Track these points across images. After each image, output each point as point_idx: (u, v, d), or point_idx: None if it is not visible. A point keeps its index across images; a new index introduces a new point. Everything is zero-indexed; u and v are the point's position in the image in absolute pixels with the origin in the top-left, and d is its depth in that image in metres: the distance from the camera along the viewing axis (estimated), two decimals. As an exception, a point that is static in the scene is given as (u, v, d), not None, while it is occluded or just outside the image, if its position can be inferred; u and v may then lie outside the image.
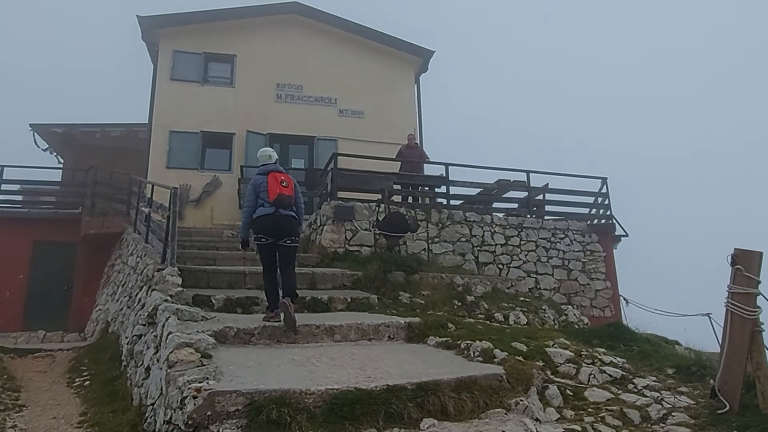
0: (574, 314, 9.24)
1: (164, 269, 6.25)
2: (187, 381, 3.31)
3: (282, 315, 4.82)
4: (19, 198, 13.14)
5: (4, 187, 12.43)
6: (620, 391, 4.13)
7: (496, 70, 60.04)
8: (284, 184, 5.24)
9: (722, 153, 51.37)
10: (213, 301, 6.08)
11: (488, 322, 6.97)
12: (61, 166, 15.30)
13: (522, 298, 8.64)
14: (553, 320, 8.43)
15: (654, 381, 4.35)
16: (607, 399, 3.96)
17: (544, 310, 8.40)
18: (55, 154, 15.75)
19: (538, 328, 5.97)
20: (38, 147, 14.99)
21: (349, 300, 6.69)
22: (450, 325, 5.53)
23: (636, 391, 4.15)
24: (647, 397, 4.02)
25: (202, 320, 5.13)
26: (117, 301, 8.92)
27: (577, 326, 8.93)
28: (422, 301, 7.44)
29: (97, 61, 50.49)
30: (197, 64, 14.45)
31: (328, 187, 10.16)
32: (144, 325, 5.52)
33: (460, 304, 7.56)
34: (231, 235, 11.39)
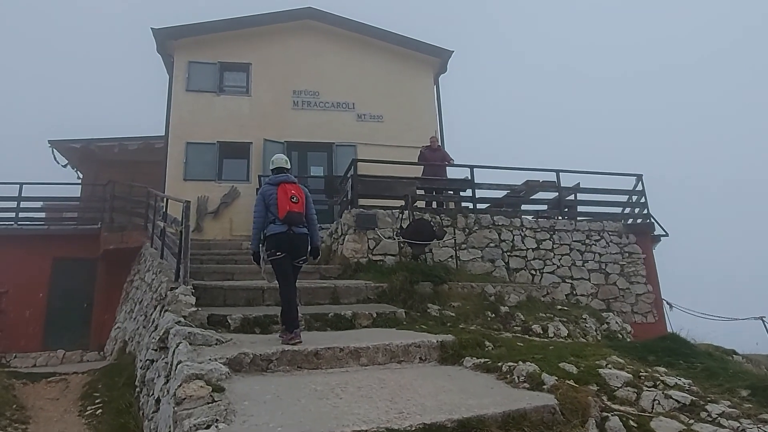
0: (616, 322, 8.63)
1: (177, 288, 5.88)
2: (194, 425, 2.89)
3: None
4: (39, 215, 13.02)
5: (23, 204, 12.31)
6: (692, 421, 3.57)
7: (526, 69, 59.19)
8: (294, 200, 4.94)
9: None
10: (229, 321, 5.68)
11: (526, 336, 6.42)
12: (80, 181, 15.19)
13: (559, 307, 8.06)
14: (595, 330, 7.85)
15: (729, 407, 3.76)
16: (679, 431, 3.40)
17: (585, 319, 7.81)
18: (75, 169, 15.69)
19: (585, 342, 5.42)
20: (58, 163, 14.95)
21: (374, 315, 6.23)
22: (487, 343, 5.01)
23: (711, 420, 3.58)
24: (726, 427, 3.45)
25: (216, 344, 4.72)
26: (134, 319, 8.62)
27: (620, 335, 8.34)
28: (452, 314, 6.93)
29: (115, 75, 51.19)
30: (212, 74, 14.22)
31: (348, 194, 9.73)
32: (156, 350, 5.13)
33: (493, 315, 7.03)
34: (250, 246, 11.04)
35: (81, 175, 15.59)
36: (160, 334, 4.98)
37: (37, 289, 11.74)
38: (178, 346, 4.38)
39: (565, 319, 7.49)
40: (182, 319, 5.36)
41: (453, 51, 15.43)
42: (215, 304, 6.38)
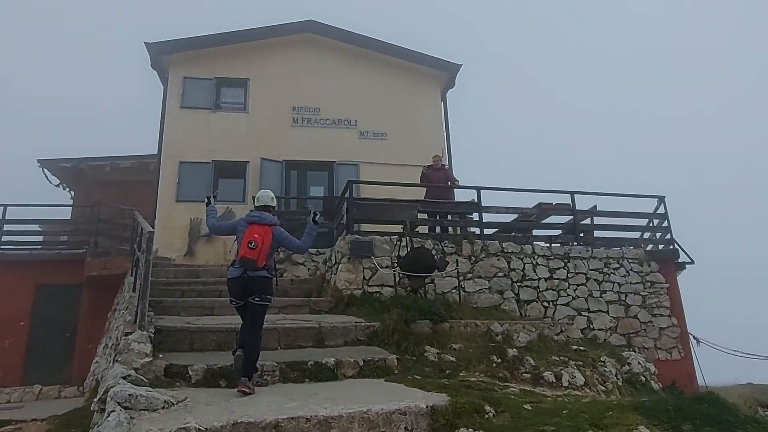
0: (639, 363, 7.72)
1: (132, 333, 5.14)
2: None
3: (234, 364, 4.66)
4: (22, 239, 12.42)
5: (6, 227, 11.73)
6: None
7: (540, 86, 58.49)
8: (251, 245, 4.83)
9: None
10: (190, 372, 4.91)
11: (537, 388, 5.56)
12: (71, 202, 14.66)
13: (575, 347, 7.16)
14: (615, 374, 6.94)
15: None
16: None
17: (603, 362, 6.90)
18: (68, 189, 15.19)
19: (606, 403, 4.56)
20: (50, 183, 14.44)
21: (361, 363, 5.43)
22: (487, 408, 4.17)
23: None
24: None
25: (163, 408, 3.95)
26: (106, 356, 7.91)
27: (643, 378, 7.44)
28: (453, 358, 6.10)
29: (114, 94, 50.91)
30: (208, 90, 13.66)
31: (344, 218, 8.98)
32: (97, 411, 4.38)
33: (499, 360, 6.16)
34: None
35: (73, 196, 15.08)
36: (100, 394, 4.23)
37: (19, 317, 11.10)
38: (110, 414, 3.63)
39: (581, 363, 6.59)
40: (132, 372, 4.61)
41: (461, 65, 14.75)
42: (180, 349, 5.63)
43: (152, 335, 5.34)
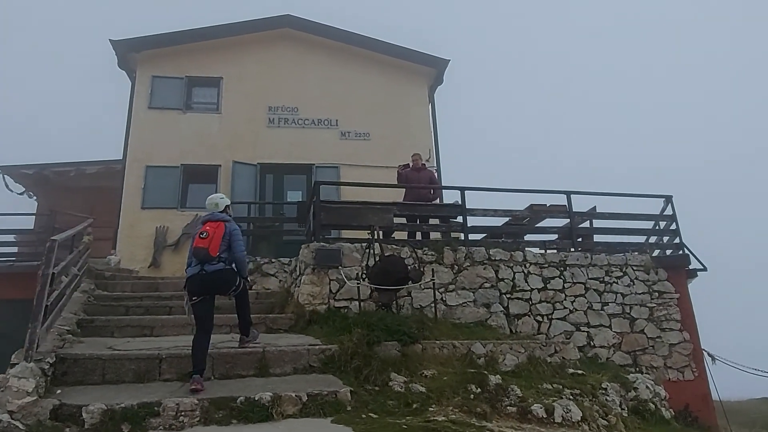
0: (647, 387, 6.68)
1: (17, 365, 4.15)
2: None
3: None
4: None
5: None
6: None
7: (536, 83, 57.29)
8: (203, 235, 4.90)
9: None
10: (84, 415, 3.92)
11: (523, 427, 4.54)
12: (34, 211, 13.72)
13: (571, 371, 6.13)
14: (620, 403, 5.91)
15: None
16: None
17: (605, 389, 5.86)
18: (34, 197, 14.26)
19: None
20: (11, 191, 13.52)
21: (305, 398, 4.43)
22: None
23: None
24: None
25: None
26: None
27: (652, 405, 6.39)
28: (423, 388, 5.08)
29: (81, 97, 48.84)
30: (179, 90, 12.77)
31: (310, 224, 8.00)
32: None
33: (479, 390, 5.14)
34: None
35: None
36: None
37: (-35, 335, 10.09)
38: None
39: (578, 391, 5.57)
40: (5, 417, 3.64)
41: (449, 60, 13.83)
42: (88, 381, 4.64)
43: (47, 367, 4.36)
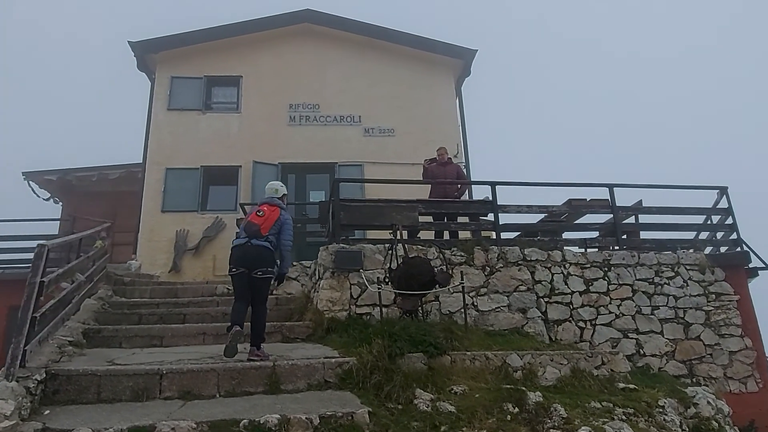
0: (708, 402, 5.89)
1: (-4, 385, 3.74)
2: None
3: (228, 340, 4.77)
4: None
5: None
6: None
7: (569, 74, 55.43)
8: (260, 213, 5.18)
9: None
10: (67, 442, 3.47)
11: (568, 457, 3.89)
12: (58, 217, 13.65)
13: (622, 385, 5.42)
14: (680, 423, 5.15)
15: None
16: None
17: (662, 407, 5.12)
18: (60, 203, 14.23)
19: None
20: (38, 197, 13.50)
21: (316, 422, 3.88)
22: None
23: None
24: None
25: None
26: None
27: (716, 424, 5.60)
28: (453, 407, 4.48)
29: (101, 100, 48.41)
30: (198, 90, 12.48)
31: (329, 225, 7.49)
32: None
33: (516, 410, 4.51)
34: (226, 290, 8.97)
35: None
36: None
37: (-10, 342, 9.98)
38: None
39: (631, 410, 4.87)
40: (-23, 446, 3.21)
41: (477, 50, 13.13)
42: (82, 400, 4.21)
43: (33, 385, 3.94)
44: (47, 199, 13.89)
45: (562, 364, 5.44)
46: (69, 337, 5.45)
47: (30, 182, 13.03)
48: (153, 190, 11.54)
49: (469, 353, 5.26)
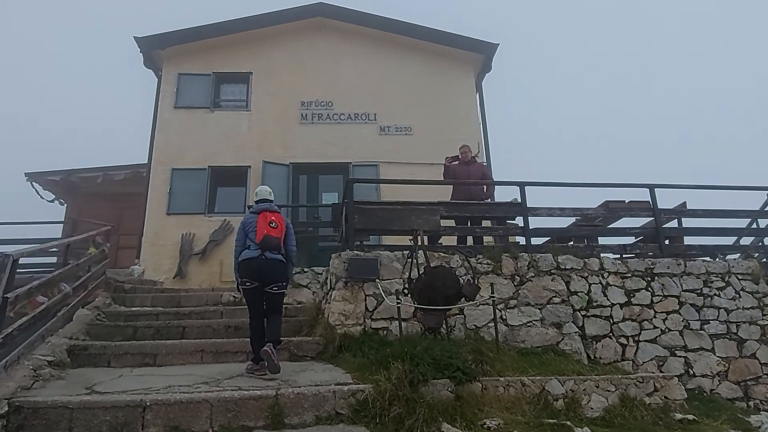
0: (775, 432, 5.08)
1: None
2: None
3: (266, 364, 4.60)
4: None
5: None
6: None
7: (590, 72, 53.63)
8: (273, 224, 4.97)
9: None
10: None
11: None
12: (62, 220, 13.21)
13: (679, 416, 4.67)
14: (749, 462, 4.39)
15: None
16: None
17: (731, 445, 4.38)
18: (65, 205, 13.80)
19: None
20: (42, 198, 13.09)
21: (325, 469, 3.22)
22: None
23: None
24: None
25: None
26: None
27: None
28: (486, 446, 3.79)
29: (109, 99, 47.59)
30: (206, 87, 11.96)
31: (342, 229, 6.84)
32: None
33: (562, 450, 3.80)
34: (232, 298, 8.39)
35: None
36: None
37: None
38: None
39: (695, 448, 4.13)
40: None
41: (498, 44, 12.42)
42: (50, 438, 3.60)
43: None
44: (52, 201, 13.50)
45: (609, 391, 4.71)
46: (49, 356, 4.86)
47: (33, 183, 12.61)
48: (158, 192, 11.02)
49: (502, 379, 4.56)
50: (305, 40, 12.49)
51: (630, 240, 7.66)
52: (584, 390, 4.65)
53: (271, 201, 5.30)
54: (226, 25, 12.17)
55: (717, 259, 7.37)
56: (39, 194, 12.90)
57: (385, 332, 5.84)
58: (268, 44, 12.38)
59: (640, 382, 4.88)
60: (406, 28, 12.55)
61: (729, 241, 8.00)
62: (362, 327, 5.86)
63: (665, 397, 4.91)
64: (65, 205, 13.76)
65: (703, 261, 7.00)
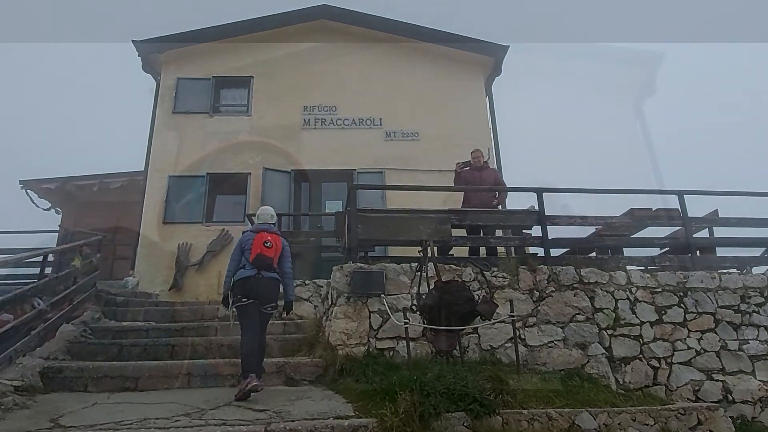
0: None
1: None
2: None
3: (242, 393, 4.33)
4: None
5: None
6: None
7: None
8: (267, 244, 4.91)
9: None
10: None
11: None
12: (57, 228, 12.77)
13: (727, 454, 4.08)
14: None
15: None
16: None
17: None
18: (61, 213, 13.38)
19: None
20: (37, 207, 12.67)
21: None
22: None
23: None
24: None
25: None
26: None
27: None
28: (510, 495, 3.21)
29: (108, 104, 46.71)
30: (205, 92, 11.53)
31: (345, 239, 6.32)
32: None
33: (600, 500, 3.22)
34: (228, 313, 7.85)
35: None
36: None
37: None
38: None
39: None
40: None
41: (509, 46, 11.92)
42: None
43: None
44: (47, 209, 13.08)
45: (647, 425, 4.13)
46: (17, 380, 4.36)
47: (28, 191, 12.20)
48: (154, 200, 10.55)
49: (525, 411, 3.99)
50: (308, 44, 12.04)
51: (655, 251, 7.09)
52: (619, 424, 4.06)
53: (273, 224, 5.23)
54: (226, 28, 11.76)
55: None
56: (34, 202, 12.50)
57: (391, 353, 5.31)
58: (269, 48, 11.92)
59: (681, 414, 4.29)
60: (411, 30, 12.10)
61: (752, 252, 7.38)
62: (366, 347, 5.32)
63: (709, 431, 4.32)
64: (61, 213, 13.34)
65: (740, 274, 6.40)
